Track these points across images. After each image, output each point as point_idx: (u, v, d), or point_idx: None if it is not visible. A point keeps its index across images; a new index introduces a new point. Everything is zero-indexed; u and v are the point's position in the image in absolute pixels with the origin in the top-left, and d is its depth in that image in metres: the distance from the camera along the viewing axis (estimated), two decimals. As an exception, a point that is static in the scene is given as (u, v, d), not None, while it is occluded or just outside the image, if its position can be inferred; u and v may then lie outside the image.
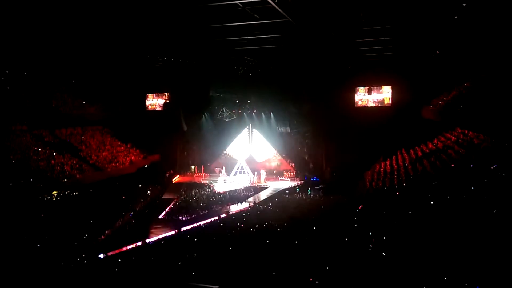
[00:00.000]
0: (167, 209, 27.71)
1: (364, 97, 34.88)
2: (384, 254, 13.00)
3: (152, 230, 22.87)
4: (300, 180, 36.40)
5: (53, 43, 27.64)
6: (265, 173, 37.11)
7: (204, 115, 41.20)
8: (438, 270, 11.08)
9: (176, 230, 21.57)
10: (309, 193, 31.38)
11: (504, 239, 11.94)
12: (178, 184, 36.34)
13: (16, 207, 20.58)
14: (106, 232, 21.15)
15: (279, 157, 39.82)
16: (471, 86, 26.59)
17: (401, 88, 33.07)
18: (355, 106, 35.03)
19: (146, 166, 35.50)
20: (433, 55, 28.17)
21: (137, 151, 35.94)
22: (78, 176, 27.60)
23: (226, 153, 40.88)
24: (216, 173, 39.06)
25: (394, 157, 29.32)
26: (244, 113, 40.38)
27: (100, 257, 16.84)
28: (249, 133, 40.70)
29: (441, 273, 10.84)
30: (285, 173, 38.09)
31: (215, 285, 3.35)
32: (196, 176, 39.02)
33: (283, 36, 24.32)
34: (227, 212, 25.71)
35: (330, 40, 24.50)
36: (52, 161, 27.89)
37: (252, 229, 19.35)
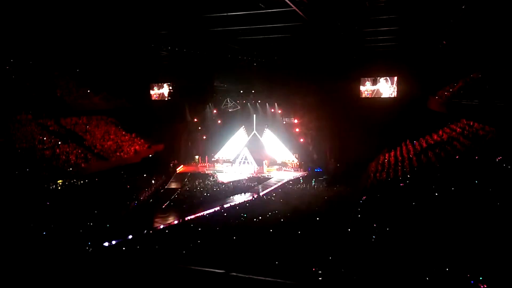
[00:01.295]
0: (171, 199, 27.85)
1: (369, 88, 34.70)
2: (387, 245, 13.03)
3: (156, 219, 23.01)
4: (303, 171, 36.40)
5: (57, 32, 27.59)
6: (269, 163, 37.25)
7: (209, 105, 41.20)
8: (440, 261, 11.10)
9: (180, 220, 21.72)
10: (313, 184, 31.40)
11: (508, 231, 11.92)
12: (182, 174, 36.47)
13: (22, 196, 20.77)
14: (111, 220, 21.30)
15: (283, 148, 39.82)
16: (477, 77, 26.35)
17: (406, 79, 32.84)
18: (360, 97, 34.86)
19: (150, 155, 35.65)
20: (440, 46, 27.88)
21: (142, 140, 36.08)
22: (83, 165, 27.79)
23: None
24: (220, 163, 39.19)
25: (398, 148, 29.23)
26: (248, 104, 40.30)
27: (105, 245, 17.01)
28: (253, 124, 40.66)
29: (443, 264, 10.86)
30: (289, 164, 38.10)
31: (219, 269, 3.39)
32: (200, 166, 39.15)
33: (288, 26, 24.13)
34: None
35: (336, 30, 24.28)
36: (57, 150, 28.07)
37: (256, 219, 19.45)
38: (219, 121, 41.34)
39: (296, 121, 39.01)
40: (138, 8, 21.51)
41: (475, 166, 17.89)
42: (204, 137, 41.76)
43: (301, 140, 38.25)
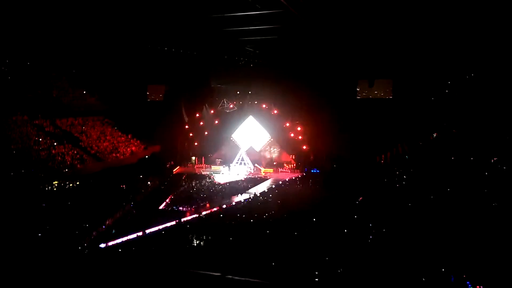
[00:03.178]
0: (167, 200, 27.79)
1: (365, 89, 34.83)
2: (383, 245, 13.07)
3: (153, 221, 22.92)
4: (300, 172, 36.40)
5: (54, 34, 27.51)
6: (265, 165, 37.30)
7: (205, 106, 41.11)
8: (437, 262, 11.15)
9: (177, 221, 21.65)
10: (309, 185, 31.37)
11: (503, 232, 11.99)
12: (178, 175, 36.39)
13: (17, 197, 20.66)
14: (107, 222, 21.23)
15: (279, 149, 39.80)
16: (473, 79, 26.49)
17: (402, 80, 32.93)
18: (356, 98, 34.97)
19: (146, 156, 35.55)
20: (436, 48, 28.00)
21: (138, 141, 36.00)
22: (78, 166, 27.69)
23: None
24: (216, 164, 39.11)
25: (394, 149, 29.33)
26: (245, 104, 40.24)
27: (101, 247, 16.97)
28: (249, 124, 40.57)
29: (440, 264, 10.91)
30: (285, 165, 38.09)
31: (216, 272, 3.39)
32: (196, 167, 39.08)
33: (285, 27, 24.17)
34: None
35: (332, 31, 24.35)
36: (53, 151, 27.96)
37: (252, 220, 19.45)
38: (216, 122, 41.26)
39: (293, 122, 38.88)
40: (135, 9, 21.50)
41: (470, 168, 17.99)
42: (201, 137, 41.64)
43: (298, 141, 38.11)
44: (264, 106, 39.37)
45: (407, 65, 31.60)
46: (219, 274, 3.37)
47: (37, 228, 17.69)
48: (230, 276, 3.40)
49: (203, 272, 3.48)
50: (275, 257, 12.12)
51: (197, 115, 41.23)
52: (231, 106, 40.26)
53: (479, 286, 9.75)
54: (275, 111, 39.04)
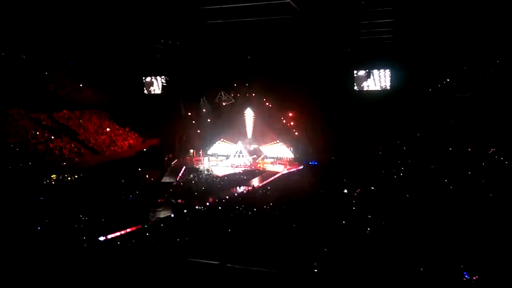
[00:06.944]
0: (166, 193, 27.79)
1: (362, 81, 34.73)
2: (381, 237, 13.13)
3: (151, 214, 22.97)
4: (299, 165, 36.44)
5: (50, 26, 27.30)
6: (264, 157, 37.27)
7: (202, 99, 40.98)
8: (434, 253, 11.21)
9: (175, 213, 21.70)
10: (308, 177, 31.41)
11: (501, 221, 12.06)
12: (177, 168, 36.39)
13: (15, 191, 20.61)
14: (106, 215, 21.21)
15: (278, 141, 39.78)
16: (470, 70, 26.47)
17: (400, 71, 32.84)
18: (355, 89, 34.88)
19: (145, 149, 35.51)
20: (434, 39, 27.91)
21: (136, 134, 35.94)
22: (76, 159, 27.65)
23: (223, 140, 40.46)
24: (215, 157, 39.14)
25: (392, 141, 29.37)
26: (243, 97, 40.14)
27: (100, 240, 16.98)
28: (247, 117, 40.50)
29: (437, 255, 10.97)
30: (284, 157, 38.13)
31: (215, 261, 3.40)
32: (195, 160, 39.08)
33: (282, 19, 24.03)
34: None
35: (330, 23, 24.24)
36: (51, 145, 27.89)
37: (250, 212, 19.49)
38: (214, 115, 41.13)
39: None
40: (132, 2, 21.34)
41: (468, 158, 18.05)
42: (198, 131, 41.61)
43: (296, 133, 38.09)
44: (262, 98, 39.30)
45: (405, 56, 31.51)
46: (218, 263, 3.38)
47: (35, 222, 17.67)
48: (229, 265, 3.41)
49: (202, 261, 3.49)
50: (274, 248, 12.16)
51: (195, 107, 41.12)
52: (229, 98, 40.20)
53: (476, 276, 9.83)
54: (270, 105, 38.95)
